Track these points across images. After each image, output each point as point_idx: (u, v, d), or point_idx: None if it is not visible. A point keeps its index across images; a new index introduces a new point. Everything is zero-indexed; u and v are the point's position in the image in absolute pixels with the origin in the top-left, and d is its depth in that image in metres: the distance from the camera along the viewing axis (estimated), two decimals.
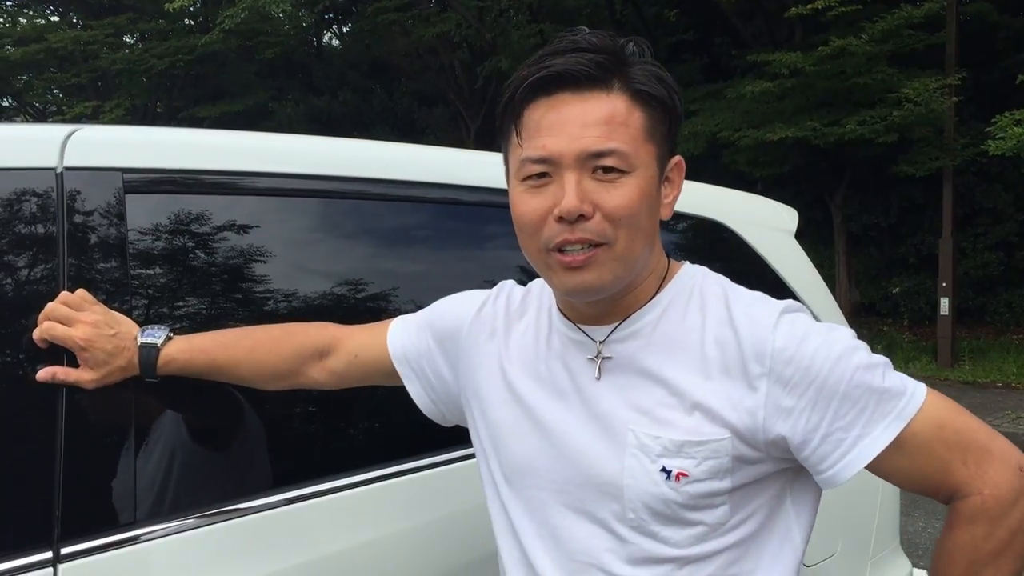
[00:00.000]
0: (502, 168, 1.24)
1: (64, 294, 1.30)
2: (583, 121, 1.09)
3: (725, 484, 1.11)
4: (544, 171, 1.11)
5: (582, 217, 1.09)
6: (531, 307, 1.33)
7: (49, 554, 1.23)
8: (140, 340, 1.33)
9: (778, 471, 1.16)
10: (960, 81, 11.14)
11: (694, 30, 16.59)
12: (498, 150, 1.28)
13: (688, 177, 2.52)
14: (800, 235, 2.49)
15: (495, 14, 17.40)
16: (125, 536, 1.30)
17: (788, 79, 11.62)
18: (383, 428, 1.72)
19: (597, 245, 1.10)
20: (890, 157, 12.25)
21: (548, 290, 1.28)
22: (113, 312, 1.34)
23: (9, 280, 1.32)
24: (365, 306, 1.70)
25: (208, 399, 1.48)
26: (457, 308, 1.41)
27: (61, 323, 1.27)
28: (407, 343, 1.43)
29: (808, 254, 2.49)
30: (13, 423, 1.27)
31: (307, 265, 1.67)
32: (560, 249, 1.11)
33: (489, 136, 18.24)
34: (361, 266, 1.72)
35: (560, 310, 1.25)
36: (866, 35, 11.03)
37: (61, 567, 1.24)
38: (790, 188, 13.99)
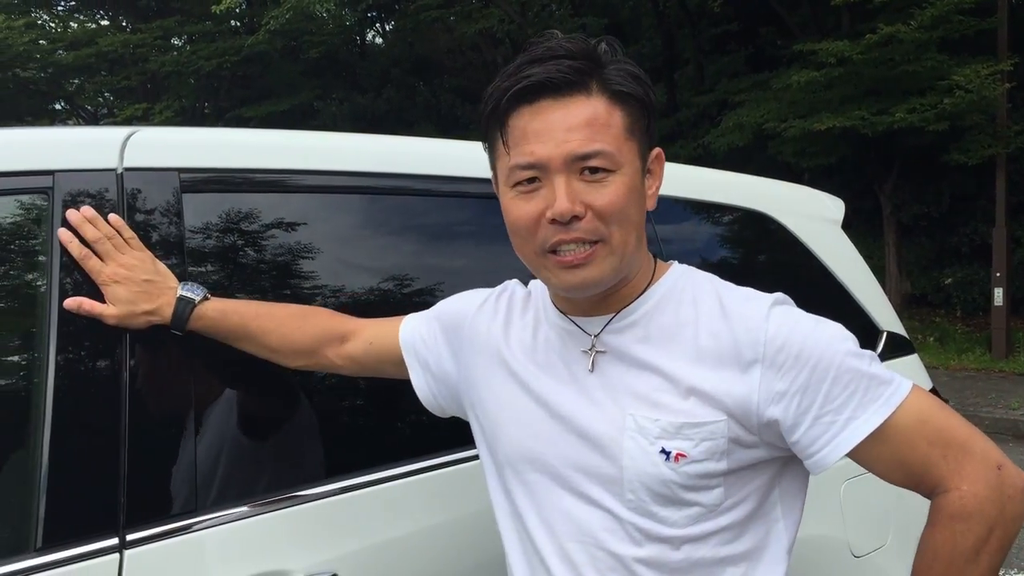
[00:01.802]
0: None
1: (115, 218, 1.39)
2: (567, 125, 1.13)
3: (721, 466, 1.16)
4: (534, 176, 1.16)
5: (575, 218, 1.13)
6: (531, 305, 1.37)
7: (115, 540, 1.29)
8: (180, 292, 1.41)
9: (770, 459, 1.20)
10: (1012, 67, 10.86)
11: (739, 20, 16.40)
12: None
13: (734, 168, 2.53)
14: (848, 226, 2.47)
15: (537, 9, 17.40)
16: (187, 523, 1.35)
17: (835, 68, 11.44)
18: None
19: (594, 242, 1.15)
20: (941, 145, 12.00)
21: (544, 288, 1.33)
22: (158, 263, 1.42)
23: (74, 279, 1.37)
24: (411, 300, 1.73)
25: (265, 389, 1.53)
26: (461, 303, 1.47)
27: (99, 257, 1.37)
28: (415, 334, 1.48)
29: (857, 245, 2.47)
30: (79, 417, 1.32)
31: (354, 260, 1.70)
32: (554, 250, 1.16)
33: None
34: (407, 261, 1.75)
35: (553, 303, 1.30)
36: (915, 22, 10.80)
37: (127, 553, 1.29)
38: (838, 178, 13.78)
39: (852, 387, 1.14)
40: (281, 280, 1.62)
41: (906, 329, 2.48)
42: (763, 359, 1.14)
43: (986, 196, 12.34)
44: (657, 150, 1.24)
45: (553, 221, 1.14)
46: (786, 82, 12.09)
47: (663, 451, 1.15)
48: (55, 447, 1.28)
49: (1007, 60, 10.76)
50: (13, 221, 1.38)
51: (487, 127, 1.22)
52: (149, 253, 1.41)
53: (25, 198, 1.38)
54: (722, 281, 1.27)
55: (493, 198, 1.88)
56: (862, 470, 1.22)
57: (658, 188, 1.25)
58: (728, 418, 1.15)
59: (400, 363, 1.49)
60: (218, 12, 16.91)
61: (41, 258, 1.37)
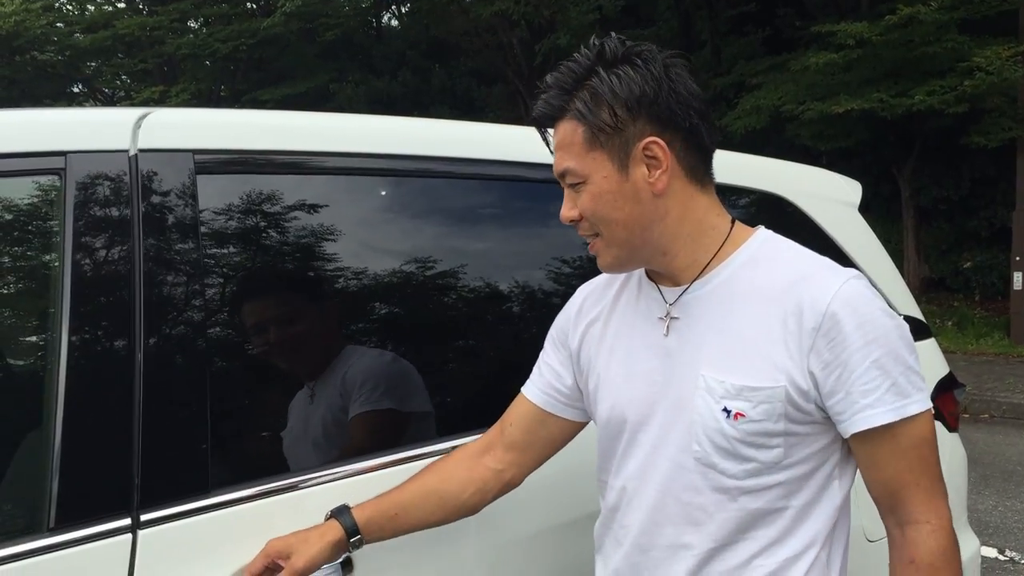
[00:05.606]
0: None
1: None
2: (555, 146, 1.34)
3: (779, 427, 1.26)
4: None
5: (576, 220, 1.33)
6: (631, 280, 1.46)
7: (128, 520, 1.29)
8: (328, 515, 1.43)
9: (829, 426, 1.29)
10: None
11: (757, 1, 16.26)
12: None
13: (751, 151, 2.50)
14: (866, 209, 2.45)
15: None
16: (201, 504, 1.35)
17: (854, 50, 11.33)
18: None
19: (596, 235, 1.33)
20: (961, 128, 11.89)
21: None
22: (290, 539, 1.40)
23: (87, 260, 1.37)
24: (432, 283, 1.73)
25: (277, 371, 1.53)
26: (561, 317, 1.54)
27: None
28: (541, 383, 1.53)
29: (876, 228, 2.45)
30: (92, 397, 1.33)
31: (373, 242, 1.70)
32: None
33: None
34: (426, 243, 1.75)
35: (646, 272, 1.42)
36: (935, 2, 10.68)
37: (140, 533, 1.29)
38: (856, 161, 13.68)
39: (882, 380, 1.23)
40: (297, 262, 1.62)
41: (924, 313, 2.45)
42: (820, 328, 1.23)
43: (1006, 179, 12.24)
44: (646, 139, 1.28)
45: None
46: (804, 64, 11.99)
47: (725, 409, 1.27)
48: (68, 427, 1.28)
49: None
50: (26, 202, 1.38)
51: None
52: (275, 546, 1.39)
53: (39, 179, 1.38)
54: (804, 249, 1.36)
55: (515, 180, 1.90)
56: None
57: (663, 171, 1.29)
58: (787, 384, 1.24)
59: (546, 420, 1.51)
60: None
61: (54, 239, 1.37)
